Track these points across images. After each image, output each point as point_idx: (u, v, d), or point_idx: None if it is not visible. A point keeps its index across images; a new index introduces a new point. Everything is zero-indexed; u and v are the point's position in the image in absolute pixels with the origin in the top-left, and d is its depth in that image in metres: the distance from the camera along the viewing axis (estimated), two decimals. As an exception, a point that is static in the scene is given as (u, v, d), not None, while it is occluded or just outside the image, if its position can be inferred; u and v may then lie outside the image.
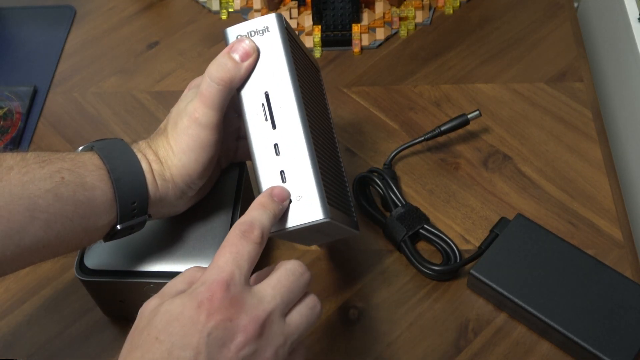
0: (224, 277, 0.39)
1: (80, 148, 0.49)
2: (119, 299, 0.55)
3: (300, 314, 0.42)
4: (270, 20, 0.48)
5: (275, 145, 0.47)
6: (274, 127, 0.47)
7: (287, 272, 0.42)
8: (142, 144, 0.50)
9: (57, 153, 0.46)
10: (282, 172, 0.47)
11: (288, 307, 0.41)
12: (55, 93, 0.78)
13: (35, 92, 0.78)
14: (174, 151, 0.49)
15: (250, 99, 0.48)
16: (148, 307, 0.40)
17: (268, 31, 0.47)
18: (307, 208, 0.46)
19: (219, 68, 0.47)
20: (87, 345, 0.58)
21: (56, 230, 0.44)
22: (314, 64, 0.58)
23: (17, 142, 0.73)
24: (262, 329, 0.39)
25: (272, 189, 0.46)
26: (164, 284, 0.52)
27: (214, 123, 0.48)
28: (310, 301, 0.43)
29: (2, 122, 0.75)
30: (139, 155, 0.48)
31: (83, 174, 0.45)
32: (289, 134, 0.47)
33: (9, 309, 0.61)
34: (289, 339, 0.40)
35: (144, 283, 0.53)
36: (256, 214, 0.43)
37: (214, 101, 0.47)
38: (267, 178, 0.47)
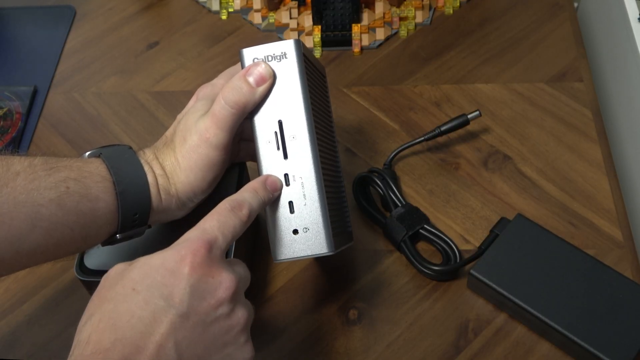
0: (207, 238, 0.41)
1: (87, 153, 0.49)
2: (119, 299, 0.55)
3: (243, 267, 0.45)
4: (288, 46, 0.47)
5: (286, 175, 0.48)
6: (285, 157, 0.48)
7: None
8: (150, 155, 0.50)
9: (65, 160, 0.46)
10: (290, 203, 0.48)
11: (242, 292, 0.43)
12: (55, 93, 0.78)
13: (35, 92, 0.78)
14: (181, 167, 0.48)
15: (263, 126, 0.48)
16: (114, 270, 0.41)
17: (285, 57, 0.47)
18: (313, 241, 0.48)
19: (234, 91, 0.47)
20: (87, 345, 0.58)
21: (56, 238, 0.44)
22: (322, 73, 0.58)
23: (17, 142, 0.73)
24: (235, 295, 0.41)
25: (266, 177, 0.47)
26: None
27: (225, 144, 0.48)
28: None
29: (2, 122, 0.75)
30: (146, 168, 0.48)
31: (88, 185, 0.45)
32: (300, 167, 0.47)
33: (9, 309, 0.61)
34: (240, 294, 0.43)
35: (144, 283, 0.53)
36: (247, 196, 0.45)
37: (226, 123, 0.47)
38: (275, 208, 0.48)
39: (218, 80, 0.51)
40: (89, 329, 0.39)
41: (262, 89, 0.47)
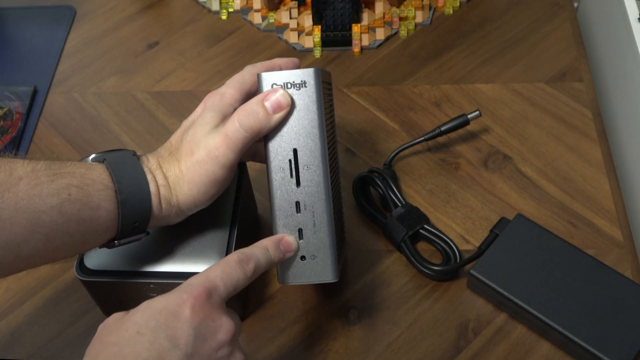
0: (208, 286, 0.43)
1: (91, 157, 0.49)
2: (118, 299, 0.55)
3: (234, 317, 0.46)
4: (308, 75, 0.47)
5: (297, 203, 0.48)
6: (298, 185, 0.48)
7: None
8: (153, 162, 0.49)
9: (68, 165, 0.45)
10: (300, 230, 0.49)
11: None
12: (55, 93, 0.78)
13: (35, 92, 0.78)
14: (184, 179, 0.48)
15: (278, 153, 0.48)
16: (113, 318, 0.42)
17: (305, 86, 0.47)
18: (319, 268, 0.49)
19: (250, 116, 0.47)
20: (87, 346, 0.58)
21: (55, 243, 0.44)
22: (331, 86, 0.57)
23: (17, 142, 0.73)
24: (234, 339, 0.43)
25: (282, 237, 0.48)
26: (164, 284, 0.52)
27: (233, 164, 0.48)
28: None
29: (2, 122, 0.75)
30: (149, 177, 0.48)
31: (90, 193, 0.45)
32: (312, 196, 0.48)
33: (9, 309, 0.61)
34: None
35: (143, 283, 0.53)
36: (258, 252, 0.46)
37: (237, 145, 0.47)
38: (284, 232, 0.49)
39: (227, 90, 0.50)
40: None
41: (278, 116, 0.47)
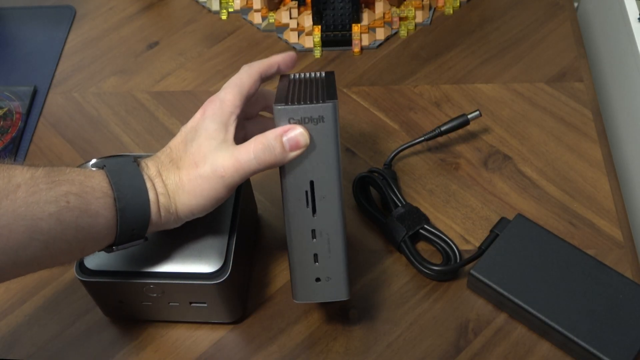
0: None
1: (91, 162, 0.48)
2: (118, 299, 0.55)
3: None
4: (327, 110, 0.46)
5: (313, 231, 0.49)
6: (314, 214, 0.49)
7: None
8: (153, 170, 0.49)
9: (67, 172, 0.45)
10: (315, 255, 0.50)
11: None
12: (55, 93, 0.78)
13: (35, 92, 0.78)
14: (185, 189, 0.48)
15: (295, 184, 0.48)
16: None
17: (323, 121, 0.46)
18: (334, 289, 0.51)
19: (266, 150, 0.46)
20: (87, 345, 0.58)
21: (53, 250, 0.44)
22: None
23: (17, 142, 0.73)
24: None
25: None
26: (164, 284, 0.53)
27: (236, 185, 0.48)
28: None
29: (2, 122, 0.75)
30: (148, 184, 0.47)
31: (89, 201, 0.45)
32: (327, 224, 0.49)
33: (9, 309, 0.61)
34: None
35: (143, 283, 0.53)
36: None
37: (246, 172, 0.47)
38: (301, 258, 0.50)
39: (226, 96, 0.49)
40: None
41: (294, 154, 0.46)
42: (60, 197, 0.43)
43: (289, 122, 0.46)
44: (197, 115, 0.50)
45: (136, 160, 0.49)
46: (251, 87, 0.50)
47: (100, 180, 0.46)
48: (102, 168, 0.47)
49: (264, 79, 0.51)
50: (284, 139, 0.46)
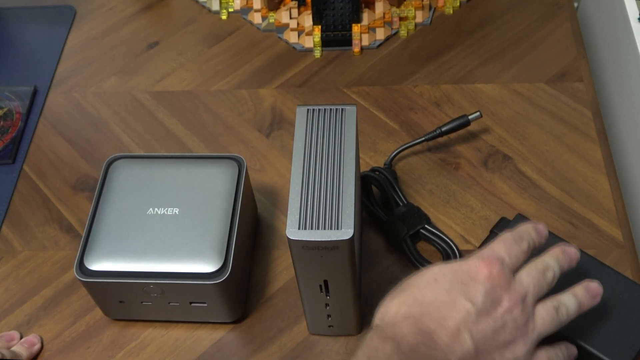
0: (498, 256, 0.45)
1: None
2: (118, 299, 0.55)
3: (546, 310, 0.46)
4: (343, 237, 0.44)
5: (327, 304, 0.52)
6: (327, 295, 0.50)
7: (537, 265, 0.47)
8: None
9: None
10: (326, 304, 0.52)
11: (538, 296, 0.46)
12: (55, 93, 0.78)
13: (35, 92, 0.78)
14: None
15: (309, 281, 0.49)
16: (413, 274, 0.46)
17: (337, 249, 0.45)
18: (345, 326, 0.55)
19: None
20: (87, 345, 0.58)
21: None
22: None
23: (17, 142, 0.73)
24: (520, 305, 0.44)
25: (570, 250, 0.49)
26: (164, 284, 0.53)
27: None
28: (561, 302, 0.47)
29: (2, 122, 0.75)
30: None
31: None
32: (340, 300, 0.51)
33: (9, 309, 0.61)
34: (535, 329, 0.45)
35: (143, 284, 0.53)
36: (531, 236, 0.48)
37: None
38: (313, 304, 0.52)
39: None
40: (397, 303, 0.44)
41: None
42: None
43: (303, 249, 0.46)
44: None
45: None
46: None
47: None
48: None
49: None
50: None
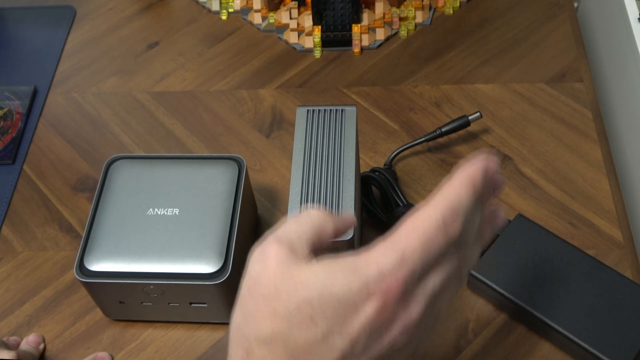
0: (403, 273, 0.33)
1: None
2: (118, 299, 0.55)
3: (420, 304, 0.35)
4: (341, 237, 0.42)
5: None
6: None
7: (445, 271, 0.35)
8: None
9: None
10: None
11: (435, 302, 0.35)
12: (55, 93, 0.78)
13: (35, 92, 0.78)
14: None
15: None
16: (272, 267, 0.35)
17: (337, 249, 0.45)
18: None
19: None
20: (87, 345, 0.58)
21: None
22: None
23: (17, 142, 0.73)
24: (411, 327, 0.35)
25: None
26: (164, 284, 0.52)
27: None
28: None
29: (2, 122, 0.75)
30: None
31: None
32: None
33: (9, 309, 0.61)
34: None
35: (143, 284, 0.53)
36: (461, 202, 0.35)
37: None
38: None
39: None
40: (264, 350, 0.34)
41: None
42: None
43: None
44: None
45: None
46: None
47: None
48: None
49: None
50: None
